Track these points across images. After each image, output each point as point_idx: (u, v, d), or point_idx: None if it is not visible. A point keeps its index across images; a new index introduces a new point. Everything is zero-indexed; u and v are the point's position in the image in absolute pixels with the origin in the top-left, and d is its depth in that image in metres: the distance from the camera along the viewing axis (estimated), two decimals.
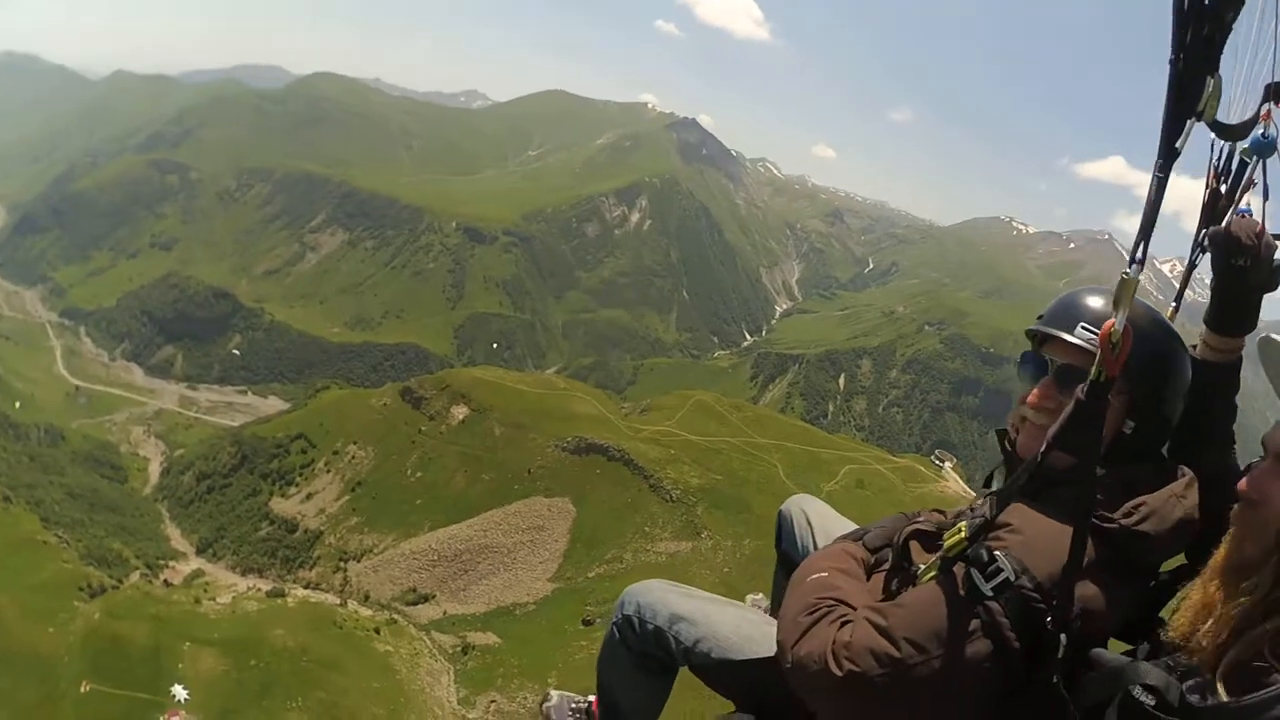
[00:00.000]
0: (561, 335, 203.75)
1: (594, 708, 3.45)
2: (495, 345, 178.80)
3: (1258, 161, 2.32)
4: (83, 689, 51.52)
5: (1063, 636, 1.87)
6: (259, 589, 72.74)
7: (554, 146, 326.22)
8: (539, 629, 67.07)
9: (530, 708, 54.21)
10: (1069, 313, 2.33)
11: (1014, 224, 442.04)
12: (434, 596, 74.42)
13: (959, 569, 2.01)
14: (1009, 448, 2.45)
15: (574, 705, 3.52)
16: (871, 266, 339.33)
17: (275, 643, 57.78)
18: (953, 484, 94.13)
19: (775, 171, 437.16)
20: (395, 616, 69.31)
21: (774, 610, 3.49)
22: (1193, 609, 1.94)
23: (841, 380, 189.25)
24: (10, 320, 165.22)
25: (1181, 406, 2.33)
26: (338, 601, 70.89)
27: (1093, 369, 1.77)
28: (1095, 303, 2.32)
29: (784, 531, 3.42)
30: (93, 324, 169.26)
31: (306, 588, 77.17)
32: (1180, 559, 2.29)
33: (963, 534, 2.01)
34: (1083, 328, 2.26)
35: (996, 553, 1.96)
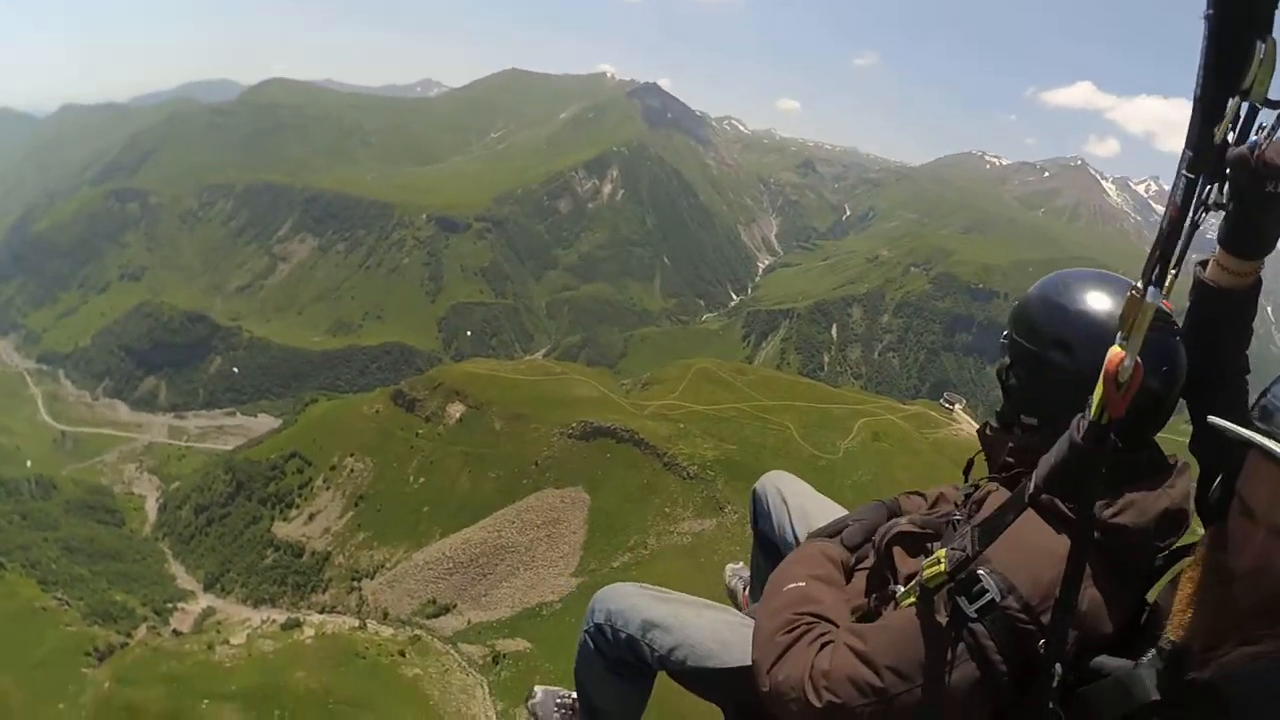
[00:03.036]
0: (546, 316, 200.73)
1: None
2: (469, 333, 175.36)
3: None
4: None
5: (1058, 667, 1.75)
6: (273, 621, 69.21)
7: (516, 126, 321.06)
8: (569, 628, 63.71)
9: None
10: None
11: (986, 158, 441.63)
12: (455, 606, 71.36)
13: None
14: (988, 439, 2.36)
15: (559, 700, 3.42)
16: (849, 213, 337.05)
17: (297, 687, 54.26)
18: (965, 425, 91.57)
19: (742, 128, 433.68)
20: (418, 633, 66.25)
21: (754, 591, 3.48)
22: (1184, 607, 1.79)
23: (834, 330, 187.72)
24: None
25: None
26: (357, 624, 67.68)
27: (1092, 408, 1.54)
28: (1098, 306, 2.03)
29: (759, 511, 3.36)
30: (71, 366, 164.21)
31: (322, 613, 73.96)
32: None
33: (943, 566, 1.88)
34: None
35: (980, 571, 1.85)
